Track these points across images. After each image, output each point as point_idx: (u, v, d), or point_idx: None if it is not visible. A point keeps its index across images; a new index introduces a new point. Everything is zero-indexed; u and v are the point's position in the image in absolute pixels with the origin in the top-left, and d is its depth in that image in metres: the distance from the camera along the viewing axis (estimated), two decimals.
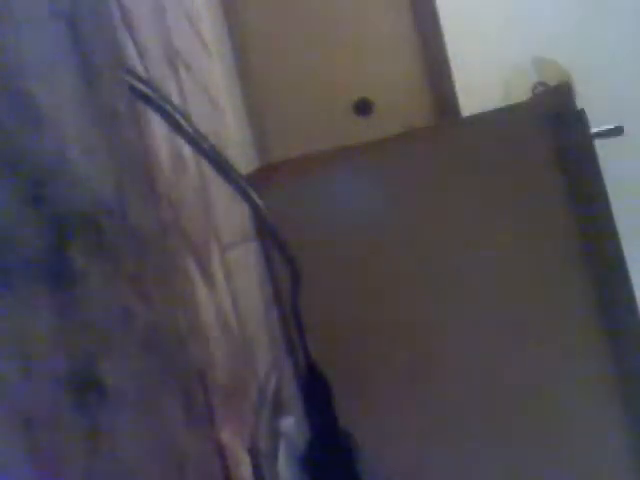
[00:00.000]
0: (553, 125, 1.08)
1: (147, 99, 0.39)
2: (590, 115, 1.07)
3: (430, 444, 1.09)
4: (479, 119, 1.15)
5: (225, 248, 0.69)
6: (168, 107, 0.41)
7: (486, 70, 2.11)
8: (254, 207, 0.56)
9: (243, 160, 1.28)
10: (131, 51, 0.46)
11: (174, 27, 0.70)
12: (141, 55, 0.49)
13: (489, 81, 2.11)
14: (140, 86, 0.38)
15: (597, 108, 1.21)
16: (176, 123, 0.42)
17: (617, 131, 1.40)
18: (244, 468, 0.51)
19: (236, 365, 0.59)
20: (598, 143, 1.09)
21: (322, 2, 1.83)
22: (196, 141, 0.45)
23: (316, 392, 0.83)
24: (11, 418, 0.16)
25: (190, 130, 0.44)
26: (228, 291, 0.64)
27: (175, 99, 0.60)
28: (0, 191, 0.18)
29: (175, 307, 0.35)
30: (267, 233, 0.66)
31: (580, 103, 1.10)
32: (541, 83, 2.16)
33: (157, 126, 0.48)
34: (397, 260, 1.10)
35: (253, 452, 0.54)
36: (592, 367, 1.09)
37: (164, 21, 0.65)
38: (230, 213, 0.79)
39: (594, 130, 1.10)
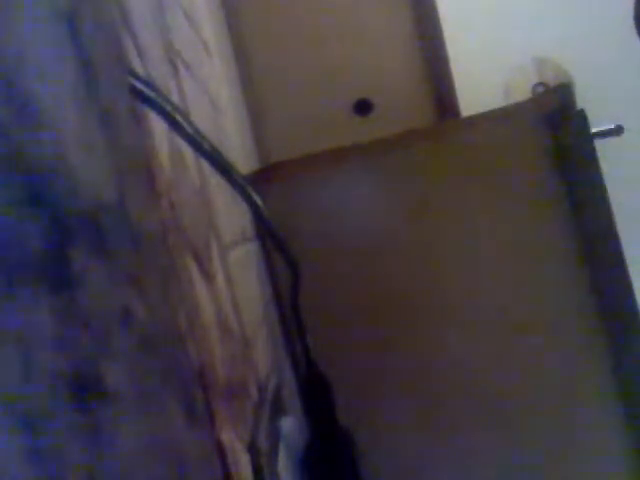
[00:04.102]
0: (553, 125, 1.08)
1: (147, 99, 0.39)
2: (590, 115, 1.07)
3: (430, 444, 1.09)
4: (479, 119, 1.15)
5: (225, 248, 0.69)
6: (168, 107, 0.41)
7: (486, 70, 2.11)
8: (254, 207, 0.56)
9: (243, 160, 1.28)
10: (131, 51, 0.46)
11: (174, 27, 0.70)
12: (141, 55, 0.49)
13: (489, 81, 2.10)
14: (140, 86, 0.38)
15: (597, 108, 1.21)
16: (176, 123, 0.42)
17: (617, 131, 1.39)
18: (244, 468, 0.51)
19: (236, 365, 0.59)
20: (598, 143, 1.09)
21: (322, 2, 1.83)
22: (196, 141, 0.45)
23: (316, 392, 0.83)
24: (11, 418, 0.16)
25: (190, 130, 0.44)
26: (228, 291, 0.64)
27: (175, 99, 0.60)
28: None
29: (175, 307, 0.35)
30: (267, 233, 0.66)
31: (580, 103, 1.10)
32: (541, 83, 2.16)
33: (157, 126, 0.48)
34: (397, 260, 1.10)
35: (253, 452, 0.54)
36: (592, 368, 1.09)
37: (164, 21, 0.65)
38: (230, 213, 0.79)
39: (594, 130, 1.10)
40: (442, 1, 1.89)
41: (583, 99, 1.17)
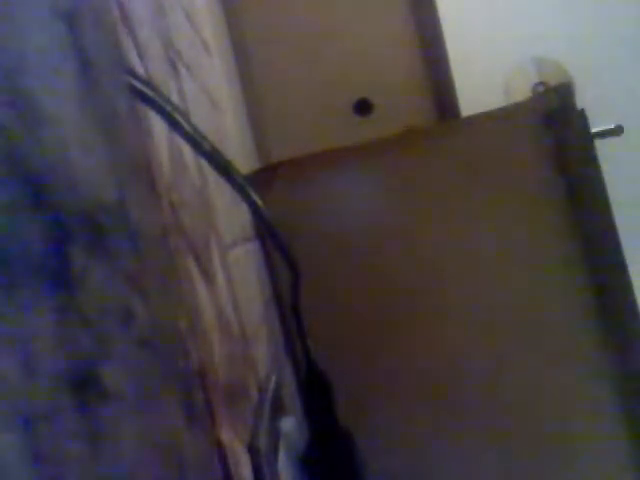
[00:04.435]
0: (553, 125, 1.08)
1: (147, 99, 0.39)
2: (590, 115, 1.07)
3: (430, 444, 1.09)
4: (479, 119, 1.15)
5: (225, 248, 0.69)
6: (168, 107, 0.41)
7: (486, 70, 2.11)
8: (254, 207, 0.56)
9: (243, 160, 1.28)
10: (131, 51, 0.46)
11: (174, 27, 0.70)
12: (141, 55, 0.49)
13: (489, 81, 2.10)
14: (140, 86, 0.38)
15: (597, 108, 1.21)
16: (176, 123, 0.42)
17: (617, 131, 1.39)
18: (244, 468, 0.51)
19: (236, 365, 0.59)
20: (598, 143, 1.09)
21: (322, 2, 1.83)
22: (196, 141, 0.45)
23: (316, 392, 0.83)
24: (11, 418, 0.16)
25: (190, 130, 0.44)
26: (228, 291, 0.64)
27: (175, 99, 0.60)
28: None
29: (175, 307, 0.35)
30: (267, 233, 0.66)
31: (580, 103, 1.09)
32: (541, 83, 2.16)
33: (157, 126, 0.48)
34: (397, 260, 1.10)
35: (253, 452, 0.54)
36: (592, 368, 1.09)
37: (164, 21, 0.65)
38: (230, 213, 0.79)
39: (594, 130, 1.10)
40: (442, 1, 1.89)
41: (583, 99, 1.17)
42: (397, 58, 1.84)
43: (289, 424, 0.73)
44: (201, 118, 0.76)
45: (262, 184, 1.05)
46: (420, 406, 1.09)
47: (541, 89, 2.14)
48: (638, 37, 2.21)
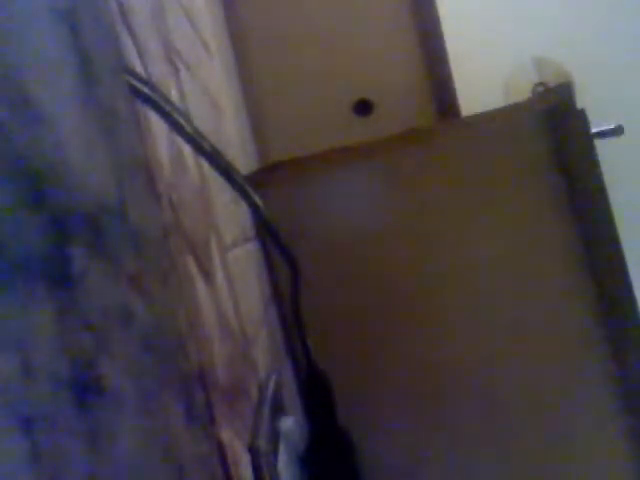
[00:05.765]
0: (553, 125, 1.08)
1: (147, 99, 0.39)
2: (590, 115, 1.07)
3: (429, 444, 1.09)
4: (479, 119, 1.15)
5: (225, 248, 0.69)
6: (168, 107, 0.41)
7: (486, 70, 2.11)
8: (254, 207, 0.56)
9: (243, 160, 1.28)
10: (131, 51, 0.46)
11: (174, 27, 0.70)
12: (141, 55, 0.49)
13: (489, 81, 2.10)
14: (140, 86, 0.38)
15: (597, 108, 1.21)
16: (176, 123, 0.42)
17: (617, 131, 1.39)
18: (244, 468, 0.51)
19: (236, 365, 0.59)
20: (598, 143, 1.09)
21: (322, 2, 1.83)
22: (196, 141, 0.45)
23: (316, 392, 0.83)
24: (11, 418, 0.16)
25: (190, 130, 0.44)
26: (228, 291, 0.64)
27: (175, 99, 0.60)
28: None
29: (175, 307, 0.35)
30: (267, 233, 0.67)
31: (580, 103, 1.09)
32: (541, 83, 2.16)
33: (157, 126, 0.48)
34: (396, 260, 1.10)
35: (253, 452, 0.54)
36: (592, 368, 1.09)
37: (164, 21, 0.65)
38: (230, 213, 0.79)
39: (594, 130, 1.10)
40: (442, 1, 1.89)
41: (583, 99, 1.17)
42: (397, 58, 1.84)
43: (289, 424, 0.73)
44: (201, 118, 0.76)
45: (262, 184, 1.04)
46: (420, 406, 1.09)
47: (541, 89, 2.14)
48: (638, 37, 2.21)
